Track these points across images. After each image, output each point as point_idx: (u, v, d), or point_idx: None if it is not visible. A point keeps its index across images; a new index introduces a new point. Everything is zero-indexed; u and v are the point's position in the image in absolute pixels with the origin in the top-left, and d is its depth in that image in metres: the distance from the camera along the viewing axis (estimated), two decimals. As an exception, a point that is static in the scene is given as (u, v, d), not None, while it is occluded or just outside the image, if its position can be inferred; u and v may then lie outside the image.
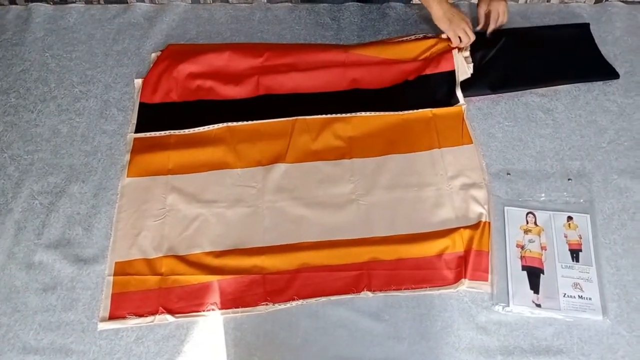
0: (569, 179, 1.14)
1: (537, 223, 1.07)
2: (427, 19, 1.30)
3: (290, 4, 1.46)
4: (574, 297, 0.99)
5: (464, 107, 1.23)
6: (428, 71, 1.26)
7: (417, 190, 1.12)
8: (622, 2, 1.44)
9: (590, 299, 0.99)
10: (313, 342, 0.97)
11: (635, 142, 1.19)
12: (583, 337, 0.96)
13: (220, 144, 1.18)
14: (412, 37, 1.34)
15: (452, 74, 1.26)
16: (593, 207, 1.10)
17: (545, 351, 0.95)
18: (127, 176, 1.14)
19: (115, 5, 1.45)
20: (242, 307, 1.00)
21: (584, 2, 1.45)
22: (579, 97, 1.27)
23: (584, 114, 1.24)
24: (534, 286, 1.00)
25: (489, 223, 1.07)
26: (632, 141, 1.19)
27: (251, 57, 1.29)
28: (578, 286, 1.00)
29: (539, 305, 0.98)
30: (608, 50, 1.34)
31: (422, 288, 1.01)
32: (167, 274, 1.03)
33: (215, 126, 1.21)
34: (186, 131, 1.20)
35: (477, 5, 1.35)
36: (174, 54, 1.31)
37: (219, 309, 0.99)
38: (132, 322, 0.98)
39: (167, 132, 1.20)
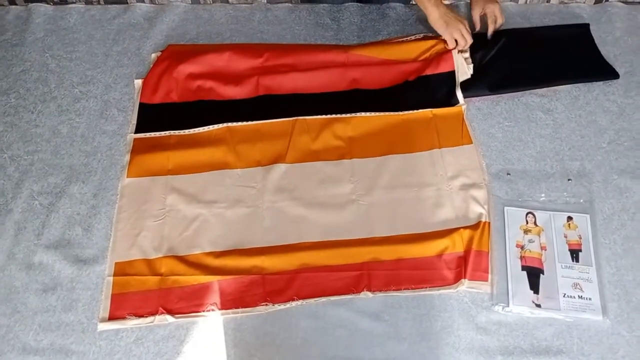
0: (569, 179, 1.14)
1: (537, 223, 1.07)
2: (425, 21, 1.30)
3: (290, 5, 1.46)
4: (574, 297, 0.99)
5: (463, 107, 1.23)
6: (428, 72, 1.26)
7: (417, 190, 1.12)
8: (622, 2, 1.44)
9: (590, 299, 0.99)
10: (313, 342, 0.97)
11: (635, 142, 1.19)
12: (583, 337, 0.96)
13: (220, 144, 1.18)
14: (412, 37, 1.34)
15: (452, 74, 1.26)
16: (593, 207, 1.10)
17: (545, 351, 0.95)
18: (127, 176, 1.14)
19: (115, 5, 1.45)
20: (242, 307, 1.00)
21: (584, 2, 1.45)
22: (579, 97, 1.27)
23: (584, 114, 1.24)
24: (534, 286, 1.00)
25: (489, 223, 1.07)
26: (632, 141, 1.19)
27: (251, 58, 1.29)
28: (578, 286, 1.00)
29: (538, 306, 0.98)
30: (608, 50, 1.34)
31: (422, 288, 1.01)
32: (167, 275, 1.03)
33: (215, 126, 1.21)
34: (186, 131, 1.20)
35: (471, 9, 1.34)
36: (174, 54, 1.31)
37: (219, 309, 0.99)
38: (132, 323, 0.98)
39: (167, 133, 1.20)
